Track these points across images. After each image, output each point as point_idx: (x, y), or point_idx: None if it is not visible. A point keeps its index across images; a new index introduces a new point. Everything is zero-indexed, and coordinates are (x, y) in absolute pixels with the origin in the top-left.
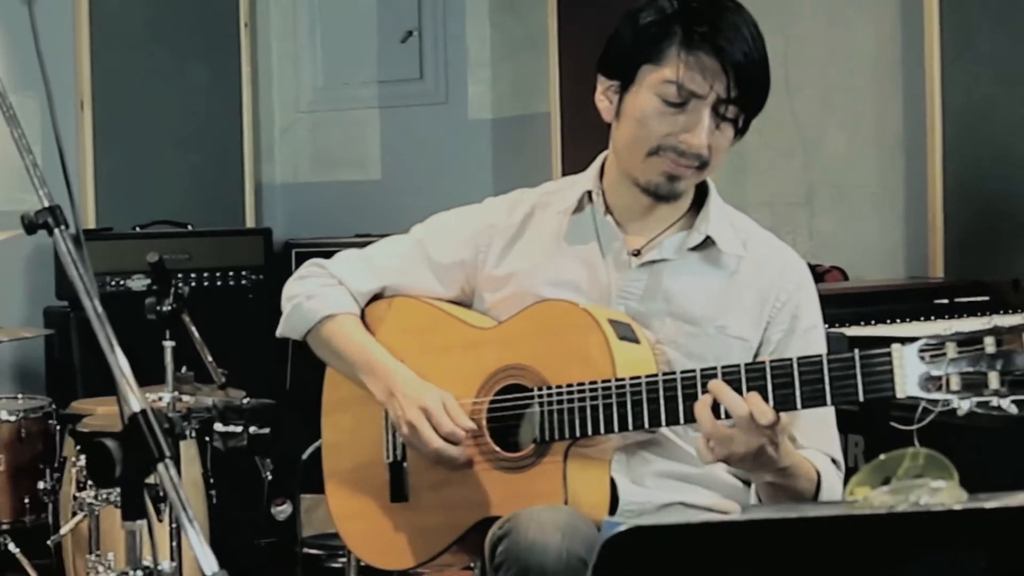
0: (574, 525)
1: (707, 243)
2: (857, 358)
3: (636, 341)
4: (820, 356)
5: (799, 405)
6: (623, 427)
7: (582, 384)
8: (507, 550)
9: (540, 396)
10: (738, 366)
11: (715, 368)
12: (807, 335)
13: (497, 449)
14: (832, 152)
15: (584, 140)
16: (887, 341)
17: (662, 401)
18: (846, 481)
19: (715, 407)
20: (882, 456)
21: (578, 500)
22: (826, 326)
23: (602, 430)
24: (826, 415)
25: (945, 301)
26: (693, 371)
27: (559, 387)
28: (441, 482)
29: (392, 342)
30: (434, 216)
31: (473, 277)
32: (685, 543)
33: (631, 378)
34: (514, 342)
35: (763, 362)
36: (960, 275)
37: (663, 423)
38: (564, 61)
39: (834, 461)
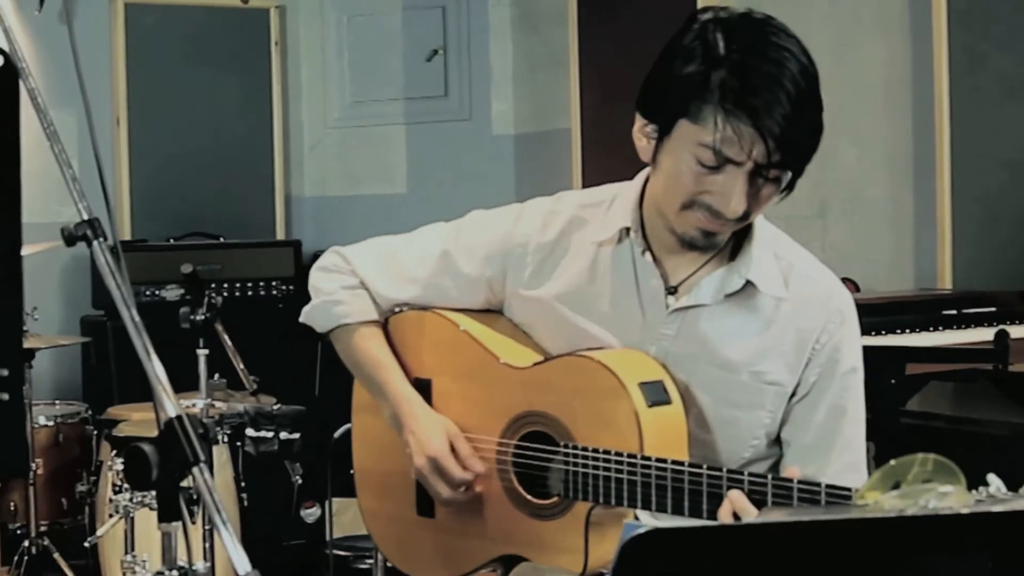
0: None
1: (746, 286)
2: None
3: (668, 402)
4: (851, 491)
5: None
6: (646, 506)
7: (608, 452)
8: None
9: (567, 454)
10: (766, 478)
11: (742, 473)
12: (845, 378)
13: (524, 493)
14: (844, 168)
15: (603, 155)
16: (897, 351)
17: (686, 493)
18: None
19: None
20: (892, 462)
21: (597, 555)
22: None
23: (625, 504)
24: (859, 463)
25: (953, 312)
26: (720, 471)
27: (585, 449)
28: (467, 510)
29: (421, 358)
30: (469, 218)
31: (501, 291)
32: (702, 545)
33: (657, 460)
34: (543, 390)
35: (791, 480)
36: (968, 287)
37: (685, 513)
38: (584, 79)
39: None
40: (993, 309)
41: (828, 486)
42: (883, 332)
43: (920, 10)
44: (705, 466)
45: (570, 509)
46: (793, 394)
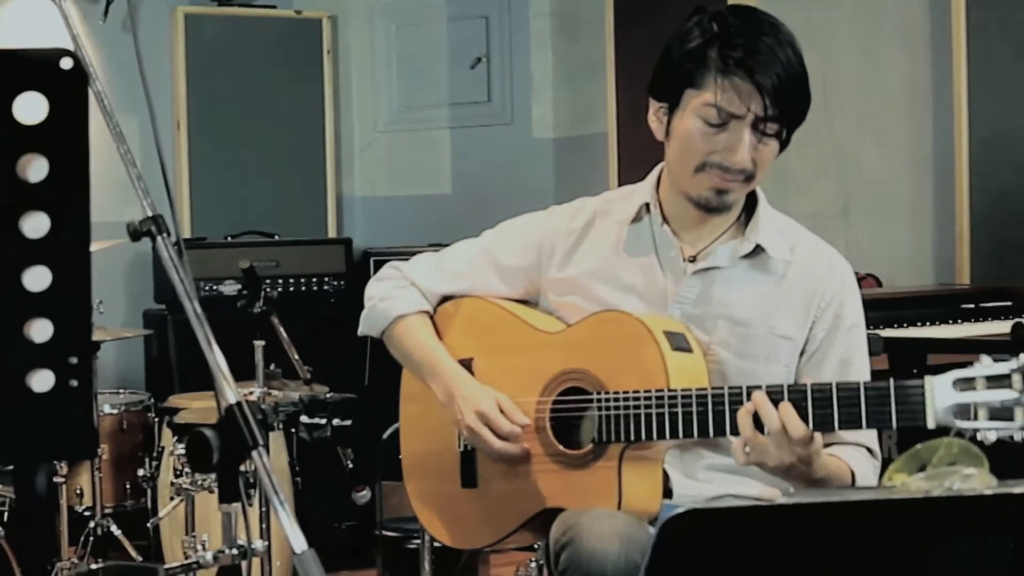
0: (631, 533)
1: (757, 250)
2: (892, 388)
3: (689, 350)
4: (858, 384)
5: (836, 427)
6: (674, 435)
7: (637, 392)
8: (569, 558)
9: (599, 401)
10: (781, 387)
11: (761, 387)
12: (849, 333)
13: (559, 446)
14: (867, 169)
15: (638, 157)
16: (918, 342)
17: (710, 413)
18: (883, 470)
19: (757, 420)
20: (918, 446)
21: (632, 496)
22: None
23: (655, 436)
24: None
25: (971, 306)
26: (739, 388)
27: (616, 393)
28: (507, 472)
29: (461, 340)
30: (503, 223)
31: (537, 279)
32: (737, 524)
33: (683, 390)
34: (576, 348)
35: (804, 385)
36: (985, 282)
37: (710, 434)
38: (620, 85)
39: (870, 451)
40: (1009, 303)
41: (839, 384)
42: (905, 325)
43: (940, 20)
44: (726, 386)
45: (604, 454)
46: (803, 351)
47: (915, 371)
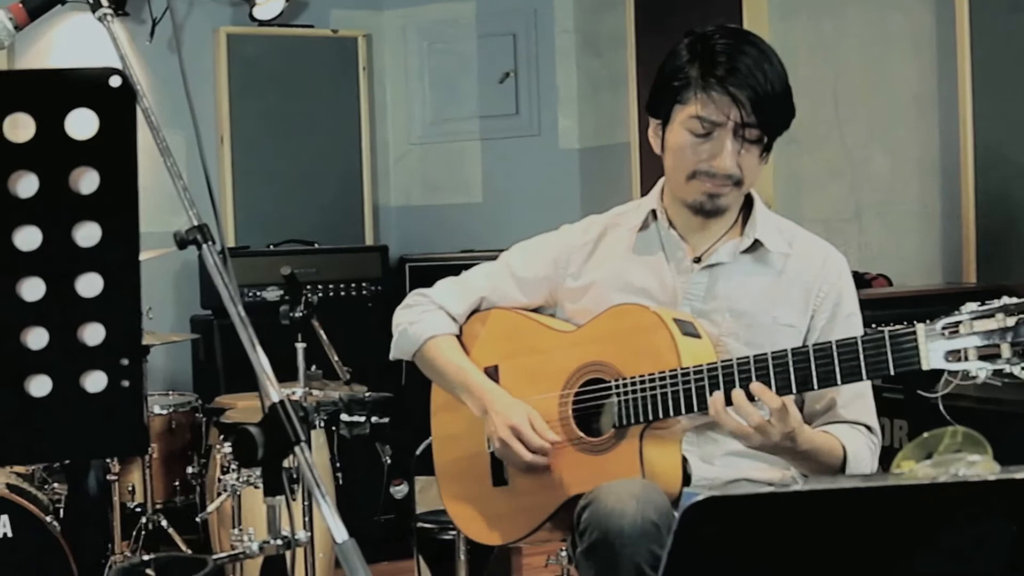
0: (647, 494)
1: (756, 246)
2: (887, 336)
3: (698, 336)
4: (855, 337)
5: (839, 381)
6: (689, 410)
7: (652, 375)
8: (589, 517)
9: (617, 387)
10: (786, 351)
11: (766, 354)
12: (847, 320)
13: (582, 435)
14: (877, 175)
15: (660, 166)
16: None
17: (722, 387)
18: (892, 457)
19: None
20: (925, 434)
21: (653, 475)
22: (873, 326)
23: (671, 413)
24: (863, 389)
25: (978, 304)
26: (746, 358)
27: (633, 378)
28: (536, 469)
29: (487, 350)
30: (517, 244)
31: (555, 290)
32: (754, 510)
33: (694, 366)
34: (593, 342)
35: (807, 347)
36: (990, 281)
37: (724, 402)
38: (642, 98)
39: (869, 428)
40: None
41: (838, 340)
42: (914, 322)
43: (946, 31)
44: (735, 358)
45: (625, 436)
46: (806, 337)
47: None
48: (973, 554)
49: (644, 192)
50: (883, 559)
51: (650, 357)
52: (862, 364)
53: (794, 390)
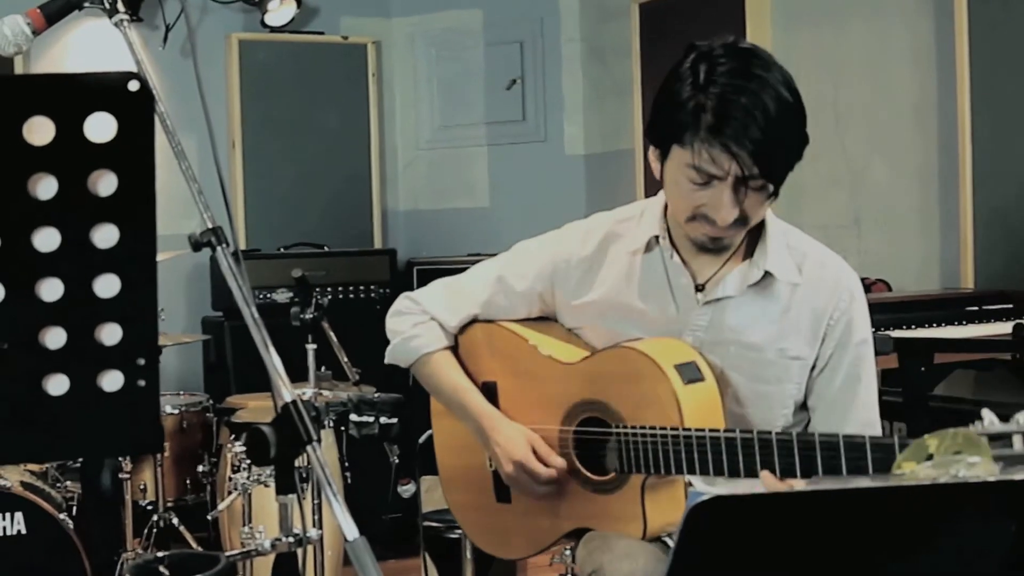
0: (650, 572)
1: (765, 276)
2: (896, 445)
3: (701, 379)
4: (864, 438)
5: (844, 472)
6: (691, 471)
7: (654, 428)
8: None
9: (619, 433)
10: (791, 434)
11: (770, 433)
12: (858, 348)
13: (586, 472)
14: (877, 182)
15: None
16: (926, 342)
17: (724, 455)
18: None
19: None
20: (925, 436)
21: (656, 521)
22: (874, 330)
23: (673, 471)
24: (871, 419)
25: (975, 308)
26: (751, 433)
27: (635, 427)
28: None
29: (485, 364)
30: (517, 244)
31: (551, 302)
32: (761, 510)
33: (697, 430)
34: (594, 379)
35: (813, 435)
36: (988, 286)
37: (725, 474)
38: (646, 105)
39: None
40: (1011, 306)
41: (846, 437)
42: (914, 326)
43: (946, 43)
44: (738, 430)
45: (627, 482)
46: (814, 367)
47: (922, 369)
48: (974, 554)
49: (647, 195)
50: (886, 559)
51: (651, 408)
52: (869, 466)
53: (798, 475)
